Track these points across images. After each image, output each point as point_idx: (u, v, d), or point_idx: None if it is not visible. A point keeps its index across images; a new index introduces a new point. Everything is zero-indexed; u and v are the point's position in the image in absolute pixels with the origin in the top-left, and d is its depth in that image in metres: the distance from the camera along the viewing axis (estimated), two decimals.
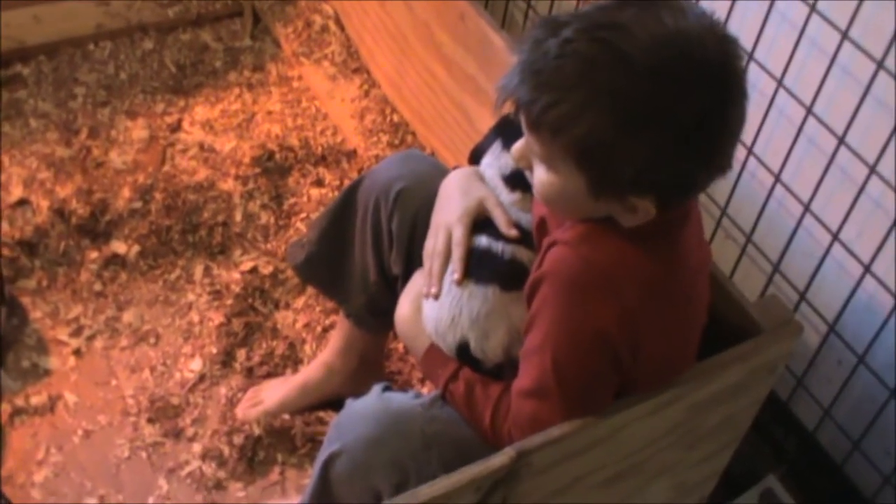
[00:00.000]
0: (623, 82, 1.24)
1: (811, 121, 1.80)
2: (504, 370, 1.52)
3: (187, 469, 1.94)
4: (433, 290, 1.57)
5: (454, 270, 1.55)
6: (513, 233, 1.55)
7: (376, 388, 1.58)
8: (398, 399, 1.56)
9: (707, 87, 1.26)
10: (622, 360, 1.37)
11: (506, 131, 1.58)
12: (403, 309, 1.64)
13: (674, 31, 1.25)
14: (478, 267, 1.54)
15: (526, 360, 1.41)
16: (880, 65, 1.65)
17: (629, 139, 1.25)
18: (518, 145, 1.39)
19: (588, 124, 1.25)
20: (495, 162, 1.61)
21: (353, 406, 1.57)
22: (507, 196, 1.58)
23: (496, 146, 1.61)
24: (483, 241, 1.56)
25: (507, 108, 1.34)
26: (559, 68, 1.25)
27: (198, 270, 2.24)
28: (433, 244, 1.59)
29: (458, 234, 1.56)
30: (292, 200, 2.39)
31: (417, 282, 1.64)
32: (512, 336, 1.51)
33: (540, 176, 1.35)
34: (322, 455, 1.57)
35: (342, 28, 2.73)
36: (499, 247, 1.55)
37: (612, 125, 1.24)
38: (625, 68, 1.23)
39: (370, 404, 1.56)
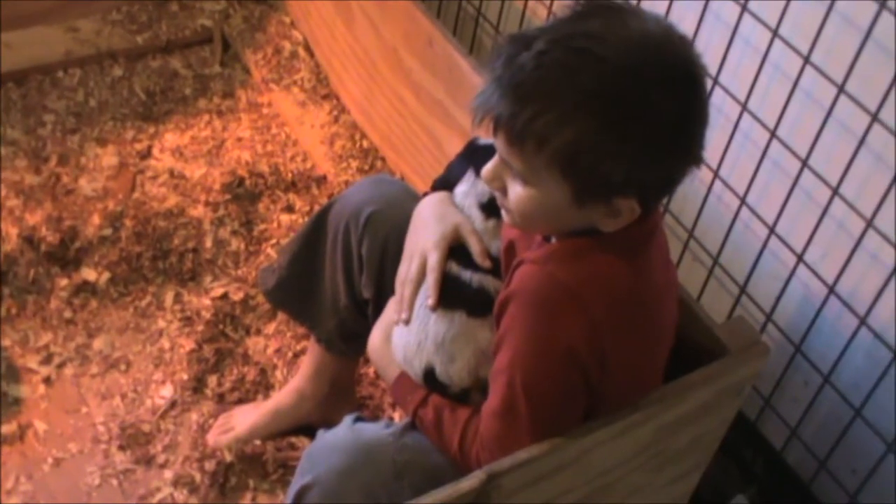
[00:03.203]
0: (604, 85, 1.26)
1: (775, 144, 1.83)
2: (471, 394, 1.52)
3: (159, 496, 1.93)
4: (404, 316, 1.57)
5: (429, 296, 1.55)
6: (486, 263, 1.55)
7: (347, 419, 1.58)
8: (369, 429, 1.57)
9: (681, 83, 1.30)
10: (591, 375, 1.37)
11: (475, 159, 1.58)
12: (375, 338, 1.65)
13: (641, 34, 1.29)
14: (445, 293, 1.55)
15: (495, 381, 1.42)
16: (841, 89, 1.68)
17: (616, 140, 1.27)
18: (490, 166, 1.38)
19: (575, 130, 1.26)
20: (472, 189, 1.61)
21: (325, 437, 1.57)
22: (482, 224, 1.59)
23: (469, 174, 1.62)
24: (452, 268, 1.56)
25: (485, 127, 1.34)
26: (540, 79, 1.27)
27: (168, 297, 2.24)
28: (406, 270, 1.60)
29: (433, 259, 1.56)
30: (262, 227, 2.39)
31: (390, 310, 1.64)
32: (478, 358, 1.51)
33: (518, 193, 1.35)
34: (294, 487, 1.57)
35: (311, 54, 2.74)
36: (467, 275, 1.55)
37: (599, 128, 1.26)
38: (604, 71, 1.26)
39: (341, 435, 1.56)
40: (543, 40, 1.28)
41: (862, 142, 1.67)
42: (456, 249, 1.57)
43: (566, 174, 1.30)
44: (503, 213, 1.44)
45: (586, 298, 1.35)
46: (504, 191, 1.39)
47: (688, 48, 1.33)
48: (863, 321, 1.76)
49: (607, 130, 1.26)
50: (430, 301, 1.55)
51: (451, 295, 1.54)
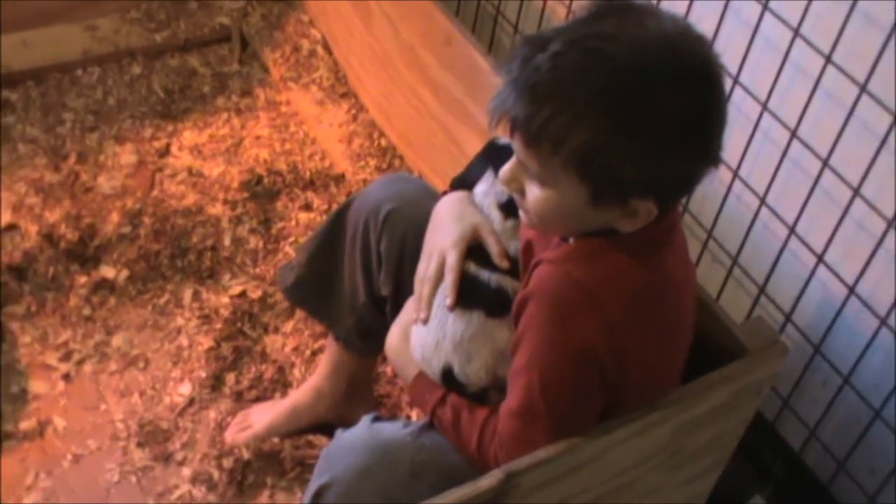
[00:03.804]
0: (619, 85, 1.26)
1: (796, 144, 1.82)
2: (489, 394, 1.52)
3: (177, 493, 1.93)
4: (422, 316, 1.57)
5: (447, 295, 1.55)
6: (505, 264, 1.55)
7: (365, 419, 1.58)
8: (387, 429, 1.56)
9: (697, 83, 1.29)
10: (608, 374, 1.37)
11: (494, 158, 1.58)
12: (393, 336, 1.65)
13: (657, 34, 1.29)
14: (463, 293, 1.54)
15: (513, 381, 1.42)
16: (863, 88, 1.67)
17: (631, 140, 1.27)
18: (507, 167, 1.39)
19: (588, 130, 1.26)
20: (491, 189, 1.60)
21: (343, 437, 1.57)
22: (501, 224, 1.59)
23: (489, 174, 1.61)
24: (471, 267, 1.56)
25: (502, 129, 1.34)
26: (555, 80, 1.27)
27: (187, 295, 2.24)
28: (425, 269, 1.59)
29: (452, 259, 1.56)
30: (281, 225, 2.39)
31: (408, 309, 1.64)
32: (496, 358, 1.51)
33: (535, 194, 1.36)
34: (312, 486, 1.57)
35: (330, 53, 2.74)
36: (485, 275, 1.55)
37: (614, 129, 1.26)
38: (619, 72, 1.26)
39: (359, 435, 1.56)
40: (559, 41, 1.28)
41: (883, 142, 1.66)
42: (474, 249, 1.57)
43: (582, 175, 1.30)
44: (521, 213, 1.44)
45: (603, 298, 1.35)
46: (522, 192, 1.39)
47: (705, 48, 1.32)
48: (883, 322, 1.75)
49: (616, 129, 1.26)
50: (449, 301, 1.54)
51: (470, 295, 1.54)
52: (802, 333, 1.90)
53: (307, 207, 2.43)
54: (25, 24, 2.62)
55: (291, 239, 2.36)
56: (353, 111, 2.64)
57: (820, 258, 1.83)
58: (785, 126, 1.83)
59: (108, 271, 2.25)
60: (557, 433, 1.38)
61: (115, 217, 2.35)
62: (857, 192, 1.73)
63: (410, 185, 1.80)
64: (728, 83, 1.84)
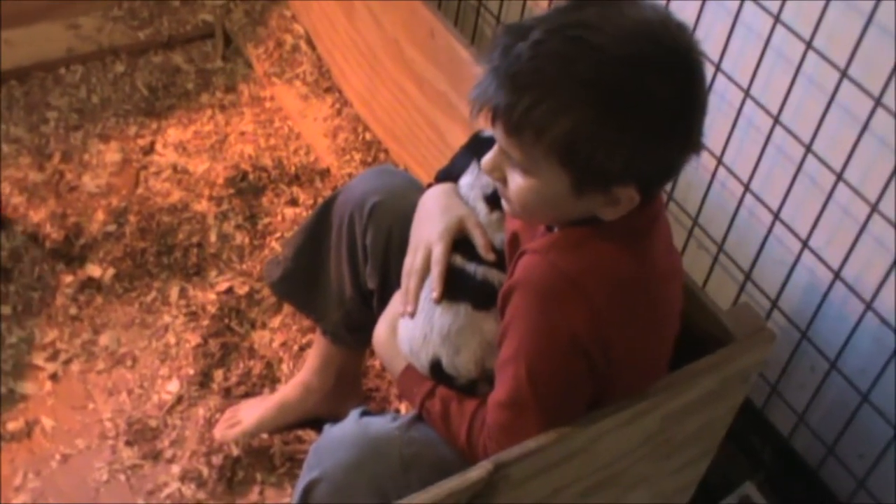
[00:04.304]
0: (602, 74, 1.26)
1: (779, 130, 1.82)
2: (478, 385, 1.52)
3: (166, 491, 1.93)
4: (409, 309, 1.57)
5: (433, 288, 1.55)
6: (490, 256, 1.55)
7: (354, 413, 1.58)
8: (376, 423, 1.56)
9: (679, 71, 1.30)
10: (595, 362, 1.38)
11: (479, 151, 1.58)
12: (380, 330, 1.65)
13: (639, 22, 1.29)
14: (450, 285, 1.54)
15: (500, 372, 1.42)
16: (844, 73, 1.67)
17: (614, 130, 1.27)
18: (489, 156, 1.39)
19: (572, 119, 1.26)
20: (476, 182, 1.61)
21: (332, 432, 1.57)
22: (486, 216, 1.59)
23: (474, 167, 1.61)
24: (457, 260, 1.56)
25: (483, 118, 1.34)
26: (536, 69, 1.27)
27: (173, 292, 2.24)
28: (411, 262, 1.59)
29: (438, 252, 1.56)
30: (266, 220, 2.39)
31: (395, 303, 1.64)
32: (484, 350, 1.51)
33: (518, 183, 1.36)
34: (301, 482, 1.57)
35: (313, 47, 2.74)
36: (472, 267, 1.55)
37: (596, 117, 1.26)
38: (601, 60, 1.26)
39: (348, 429, 1.56)
40: (540, 30, 1.28)
41: (866, 126, 1.67)
42: (460, 242, 1.57)
43: (564, 163, 1.30)
44: (504, 203, 1.44)
45: (587, 286, 1.35)
46: (504, 181, 1.39)
47: (686, 35, 1.32)
48: (869, 306, 1.76)
49: (605, 119, 1.26)
50: (435, 294, 1.54)
51: (456, 287, 1.54)
52: (789, 319, 1.91)
53: (293, 202, 2.43)
54: (8, 23, 2.61)
55: (277, 234, 2.36)
56: (338, 105, 2.63)
57: (805, 244, 1.83)
58: (768, 112, 1.83)
59: (94, 270, 2.25)
60: (546, 423, 1.38)
61: (100, 215, 2.34)
62: (840, 177, 1.73)
63: (396, 177, 1.80)
64: (710, 71, 1.85)
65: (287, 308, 2.20)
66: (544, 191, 1.34)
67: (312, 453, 1.58)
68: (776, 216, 1.87)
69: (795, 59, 1.75)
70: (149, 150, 2.52)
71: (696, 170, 1.86)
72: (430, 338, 1.54)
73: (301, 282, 1.88)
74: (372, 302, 1.76)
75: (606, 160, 1.28)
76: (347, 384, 1.99)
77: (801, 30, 1.74)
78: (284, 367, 2.13)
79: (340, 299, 1.82)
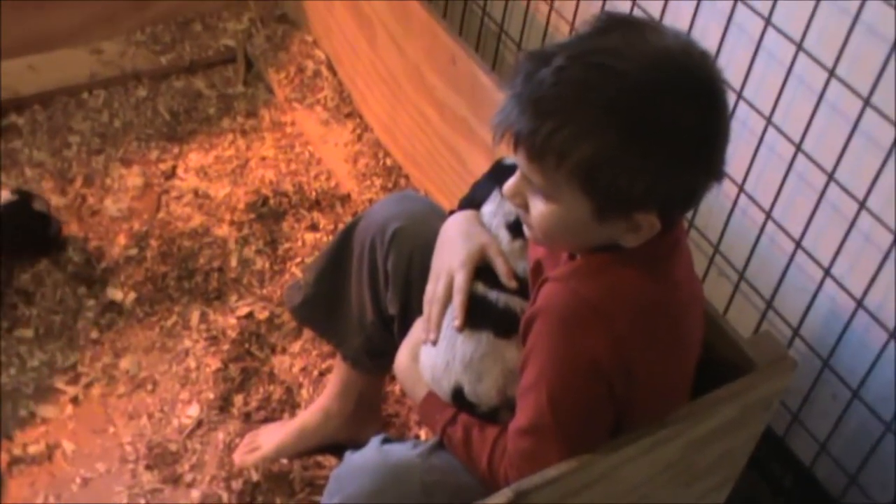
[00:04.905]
0: (624, 100, 1.26)
1: (801, 157, 1.82)
2: (500, 413, 1.52)
3: None
4: (431, 337, 1.57)
5: (455, 317, 1.55)
6: (513, 284, 1.55)
7: (375, 440, 1.58)
8: (397, 450, 1.56)
9: (702, 98, 1.30)
10: (617, 389, 1.37)
11: (502, 178, 1.58)
12: (402, 357, 1.65)
13: (661, 49, 1.29)
14: (472, 313, 1.54)
15: (522, 399, 1.42)
16: (867, 101, 1.67)
17: (636, 156, 1.27)
18: (511, 182, 1.39)
19: (594, 144, 1.26)
20: (499, 210, 1.61)
21: (352, 459, 1.57)
22: (509, 244, 1.59)
23: (496, 194, 1.61)
24: (479, 288, 1.56)
25: (505, 144, 1.34)
26: (559, 95, 1.27)
27: (194, 316, 2.24)
28: (433, 289, 1.59)
29: (460, 279, 1.56)
30: (287, 245, 2.40)
31: (417, 329, 1.64)
32: (507, 377, 1.51)
33: (539, 209, 1.36)
34: None
35: (334, 73, 2.75)
36: (494, 295, 1.55)
37: (619, 143, 1.26)
38: (624, 87, 1.26)
39: (369, 456, 1.56)
40: (562, 56, 1.28)
41: (889, 154, 1.66)
42: (483, 269, 1.57)
43: (586, 189, 1.30)
44: (525, 229, 1.44)
45: (609, 313, 1.35)
46: (526, 207, 1.39)
47: (708, 63, 1.33)
48: (892, 335, 1.75)
49: (627, 145, 1.26)
50: (457, 322, 1.54)
51: (478, 315, 1.54)
52: (811, 347, 1.90)
53: (313, 228, 2.44)
54: (32, 49, 2.64)
55: (298, 259, 2.37)
56: (358, 131, 2.64)
57: (827, 272, 1.83)
58: (789, 140, 1.83)
59: (115, 294, 2.25)
60: (567, 450, 1.38)
61: (121, 239, 2.35)
62: (863, 205, 1.73)
63: (417, 203, 1.81)
64: (732, 98, 1.84)
65: (307, 333, 2.20)
66: (566, 216, 1.34)
67: (333, 480, 1.58)
68: (798, 244, 1.87)
69: (818, 86, 1.75)
70: (170, 174, 2.53)
71: (718, 197, 1.86)
72: (453, 365, 1.54)
73: (322, 307, 1.88)
74: (392, 328, 1.76)
75: (628, 186, 1.28)
76: (367, 410, 1.99)
77: (823, 57, 1.73)
78: (304, 392, 2.13)
79: (361, 325, 1.82)
